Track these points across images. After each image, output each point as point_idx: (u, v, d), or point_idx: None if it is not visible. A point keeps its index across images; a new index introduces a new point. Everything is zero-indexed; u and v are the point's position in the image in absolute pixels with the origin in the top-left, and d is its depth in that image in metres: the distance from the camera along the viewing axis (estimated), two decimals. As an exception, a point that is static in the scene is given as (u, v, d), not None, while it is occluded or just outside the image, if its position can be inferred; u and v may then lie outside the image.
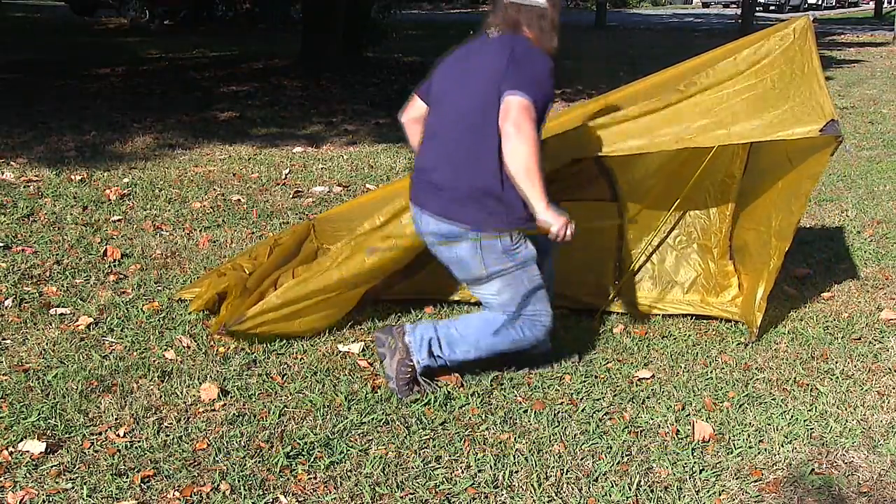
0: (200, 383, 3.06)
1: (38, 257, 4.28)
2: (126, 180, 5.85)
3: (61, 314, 3.62)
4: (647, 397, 3.11)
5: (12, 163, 6.15)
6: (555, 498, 2.51)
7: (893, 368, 3.37)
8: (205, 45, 15.54)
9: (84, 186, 5.62)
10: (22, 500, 2.39)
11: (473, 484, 2.55)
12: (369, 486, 2.52)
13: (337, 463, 2.63)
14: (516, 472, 2.62)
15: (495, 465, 2.65)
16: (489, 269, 2.89)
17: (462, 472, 2.61)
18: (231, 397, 3.00)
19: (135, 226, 4.90)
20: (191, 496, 2.44)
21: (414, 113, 3.14)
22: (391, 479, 2.55)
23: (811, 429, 2.92)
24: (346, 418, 2.86)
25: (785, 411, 3.03)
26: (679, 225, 3.95)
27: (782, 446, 2.80)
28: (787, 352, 3.51)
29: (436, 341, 3.01)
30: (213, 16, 21.54)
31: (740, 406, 3.06)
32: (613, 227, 3.93)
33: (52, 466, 2.54)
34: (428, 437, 2.79)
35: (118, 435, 2.72)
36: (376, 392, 3.05)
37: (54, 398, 2.93)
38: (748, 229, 3.80)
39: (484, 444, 2.77)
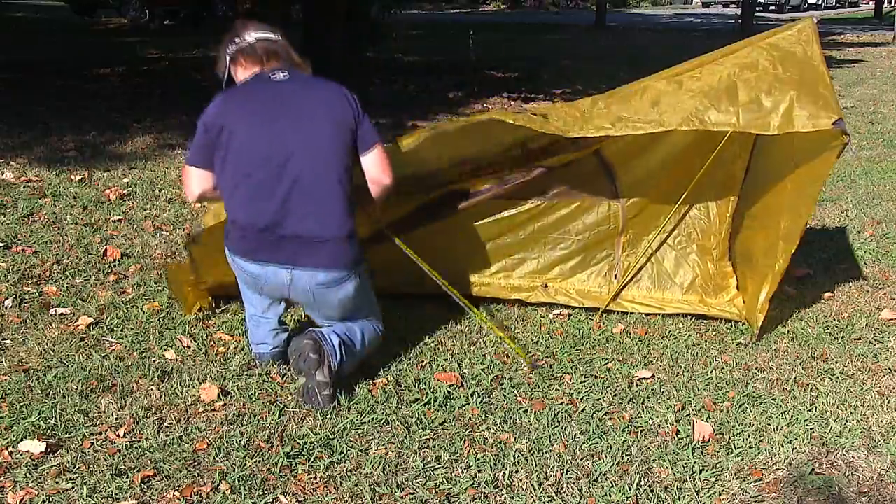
0: (200, 383, 3.06)
1: (38, 257, 4.28)
2: (126, 180, 5.85)
3: (61, 314, 3.62)
4: (647, 397, 3.11)
5: (12, 163, 6.15)
6: (555, 498, 2.51)
7: (893, 368, 3.37)
8: (205, 45, 15.53)
9: (84, 186, 5.62)
10: (22, 500, 2.39)
11: (473, 484, 2.55)
12: (369, 486, 2.51)
13: (337, 463, 2.63)
14: (516, 472, 2.62)
15: (495, 465, 2.65)
16: (365, 294, 3.15)
17: (462, 472, 2.61)
18: (231, 397, 3.00)
19: (135, 226, 4.90)
20: (191, 496, 2.44)
21: (205, 185, 3.04)
22: (391, 479, 2.55)
23: (811, 429, 2.92)
24: (346, 418, 2.86)
25: (785, 411, 3.03)
26: (679, 225, 3.95)
27: (782, 446, 2.80)
28: (787, 352, 3.51)
29: (344, 345, 3.02)
30: (213, 16, 21.54)
31: (740, 406, 3.06)
32: (614, 226, 3.93)
33: (52, 466, 2.54)
34: (428, 437, 2.79)
35: (118, 435, 2.72)
36: (376, 392, 3.05)
37: (54, 398, 2.93)
38: (756, 231, 3.78)
39: (484, 444, 2.77)
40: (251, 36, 3.13)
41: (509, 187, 3.78)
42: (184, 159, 3.13)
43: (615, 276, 3.95)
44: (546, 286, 3.92)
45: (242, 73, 3.15)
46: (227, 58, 3.16)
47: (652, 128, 3.18)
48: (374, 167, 3.08)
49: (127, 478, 2.50)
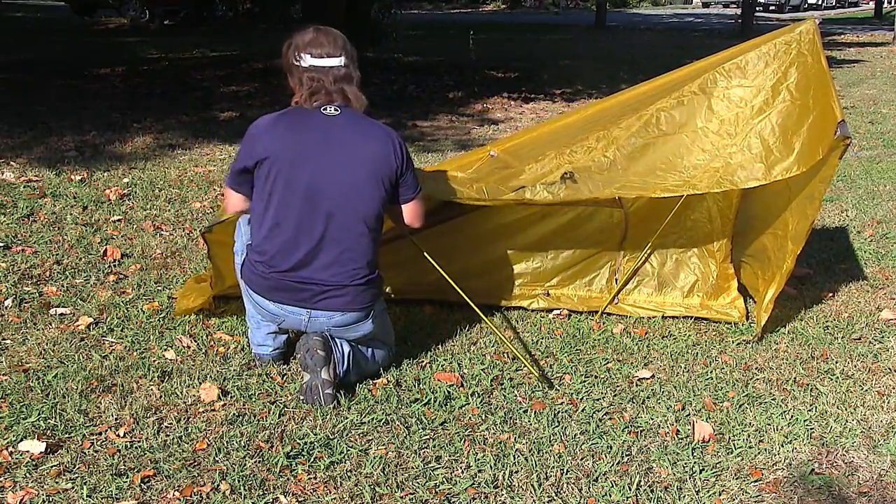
0: (200, 383, 3.06)
1: (38, 257, 4.28)
2: (126, 180, 5.85)
3: (61, 314, 3.62)
4: (647, 397, 3.11)
5: (12, 163, 6.15)
6: (555, 498, 2.50)
7: (893, 368, 3.37)
8: (205, 45, 15.56)
9: (84, 186, 5.62)
10: (22, 500, 2.39)
11: (473, 484, 2.55)
12: (369, 486, 2.51)
13: (337, 463, 2.63)
14: (516, 472, 2.62)
15: (495, 465, 2.64)
16: (381, 326, 3.17)
17: (462, 472, 2.61)
18: (231, 397, 3.00)
19: (135, 226, 4.90)
20: (191, 496, 2.44)
21: (244, 206, 3.07)
22: (391, 479, 2.55)
23: (811, 429, 2.92)
24: (346, 418, 2.86)
25: (785, 411, 3.03)
26: (681, 229, 3.94)
27: (782, 446, 2.80)
28: (787, 352, 3.51)
29: (353, 357, 3.07)
30: (213, 16, 21.57)
31: (740, 406, 3.06)
32: (617, 233, 3.92)
33: (52, 466, 2.54)
34: (428, 437, 2.79)
35: (118, 435, 2.72)
36: (376, 392, 3.06)
37: (54, 398, 2.92)
38: (765, 233, 3.78)
39: (484, 444, 2.77)
40: (322, 60, 2.99)
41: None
42: (224, 179, 3.10)
43: (616, 280, 3.95)
44: (548, 293, 3.91)
45: (297, 89, 3.06)
46: (292, 62, 3.04)
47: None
48: (408, 216, 3.17)
49: (127, 478, 2.50)
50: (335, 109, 3.00)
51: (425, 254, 3.34)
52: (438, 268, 3.32)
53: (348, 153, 2.96)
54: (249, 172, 2.97)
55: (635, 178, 3.36)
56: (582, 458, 2.70)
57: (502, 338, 3.36)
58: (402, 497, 2.48)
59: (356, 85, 3.05)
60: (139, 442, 2.69)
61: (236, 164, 3.02)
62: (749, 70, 3.37)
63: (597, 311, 3.83)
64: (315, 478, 2.55)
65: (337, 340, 3.04)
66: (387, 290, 3.83)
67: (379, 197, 2.99)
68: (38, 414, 2.81)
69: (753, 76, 3.36)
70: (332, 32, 3.08)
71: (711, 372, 3.31)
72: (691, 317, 3.80)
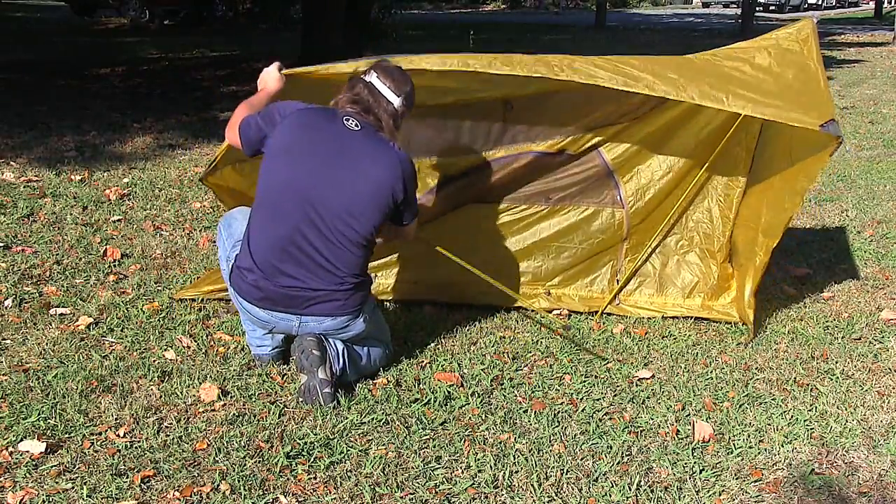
0: (200, 383, 3.06)
1: (38, 257, 4.28)
2: (126, 180, 5.85)
3: (61, 314, 3.62)
4: (647, 397, 3.11)
5: (12, 163, 6.15)
6: (555, 498, 2.51)
7: (893, 368, 3.38)
8: (205, 45, 15.56)
9: (84, 186, 5.62)
10: (22, 500, 2.39)
11: (473, 484, 2.55)
12: (369, 486, 2.51)
13: (337, 463, 2.63)
14: (516, 472, 2.62)
15: (495, 465, 2.65)
16: (373, 324, 3.18)
17: (462, 472, 2.61)
18: (231, 397, 3.00)
19: (135, 226, 4.90)
20: (191, 496, 2.44)
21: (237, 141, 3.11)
22: (391, 479, 2.55)
23: (811, 429, 2.92)
24: (346, 418, 2.86)
25: (785, 411, 3.03)
26: (682, 229, 3.94)
27: (782, 446, 2.80)
28: (787, 352, 3.51)
29: (348, 354, 3.07)
30: (213, 16, 21.57)
31: (740, 406, 3.06)
32: (617, 231, 3.92)
33: (52, 466, 2.54)
34: (428, 437, 2.79)
35: (118, 435, 2.72)
36: (376, 392, 3.06)
37: (54, 398, 2.92)
38: (738, 226, 3.80)
39: (484, 444, 2.77)
40: (382, 87, 3.00)
41: (506, 173, 3.76)
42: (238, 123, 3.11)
43: (617, 281, 3.95)
44: (549, 293, 3.91)
45: (344, 92, 3.07)
46: (359, 72, 3.07)
47: (622, 86, 3.11)
48: (399, 235, 3.26)
49: (127, 478, 2.50)
50: (357, 125, 2.98)
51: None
52: (453, 256, 3.31)
53: (355, 172, 2.95)
54: (261, 134, 3.02)
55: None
56: (582, 458, 2.70)
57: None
58: (402, 497, 2.48)
59: (395, 126, 3.05)
60: (139, 442, 2.69)
61: (258, 120, 3.02)
62: (742, 65, 3.39)
63: (597, 311, 3.83)
64: (315, 478, 2.55)
65: (330, 339, 3.05)
66: (388, 291, 3.84)
67: (376, 219, 2.99)
68: (38, 414, 2.81)
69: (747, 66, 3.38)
70: (409, 81, 3.07)
71: (711, 372, 3.31)
72: (691, 317, 3.80)
